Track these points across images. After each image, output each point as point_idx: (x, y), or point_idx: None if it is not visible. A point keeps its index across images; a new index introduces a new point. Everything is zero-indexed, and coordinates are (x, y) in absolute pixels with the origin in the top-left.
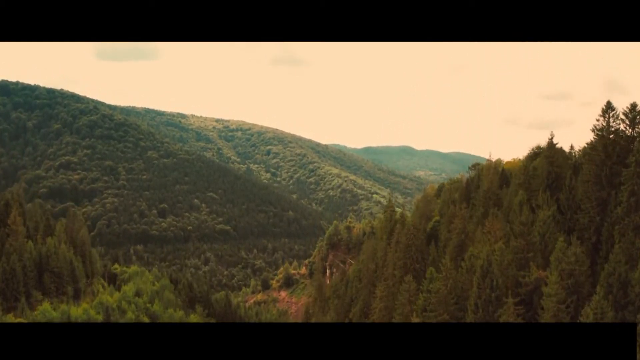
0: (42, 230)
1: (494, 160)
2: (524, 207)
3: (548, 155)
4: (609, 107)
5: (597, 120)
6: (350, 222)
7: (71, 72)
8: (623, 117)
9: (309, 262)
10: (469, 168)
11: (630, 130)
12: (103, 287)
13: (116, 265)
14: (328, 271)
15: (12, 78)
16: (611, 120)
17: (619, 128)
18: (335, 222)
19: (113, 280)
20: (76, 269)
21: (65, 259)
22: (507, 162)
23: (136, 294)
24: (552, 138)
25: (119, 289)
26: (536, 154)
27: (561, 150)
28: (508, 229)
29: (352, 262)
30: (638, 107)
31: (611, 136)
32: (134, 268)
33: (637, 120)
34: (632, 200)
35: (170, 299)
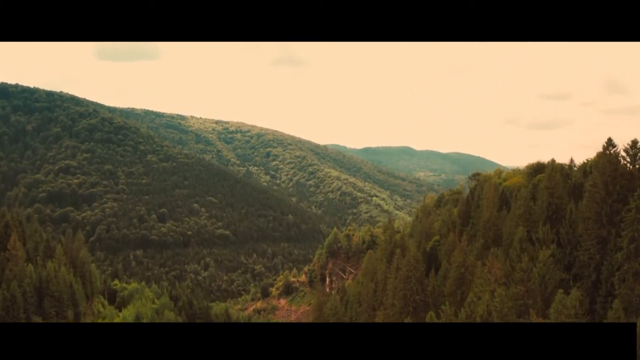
0: (42, 251)
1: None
2: (524, 244)
3: (548, 187)
4: (609, 144)
5: (599, 157)
6: (350, 230)
7: (71, 72)
8: (624, 153)
9: (309, 269)
10: (469, 178)
11: (632, 167)
12: (103, 306)
13: (116, 281)
14: (328, 279)
15: (12, 80)
16: (612, 157)
17: (619, 164)
18: (335, 229)
19: (113, 297)
20: (76, 292)
21: (65, 282)
22: (508, 175)
23: (136, 317)
24: (552, 164)
25: (119, 307)
26: (536, 171)
27: (560, 168)
28: (508, 267)
29: (352, 270)
30: (639, 144)
31: (612, 173)
32: (133, 285)
33: (638, 157)
34: (631, 246)
35: (170, 318)
